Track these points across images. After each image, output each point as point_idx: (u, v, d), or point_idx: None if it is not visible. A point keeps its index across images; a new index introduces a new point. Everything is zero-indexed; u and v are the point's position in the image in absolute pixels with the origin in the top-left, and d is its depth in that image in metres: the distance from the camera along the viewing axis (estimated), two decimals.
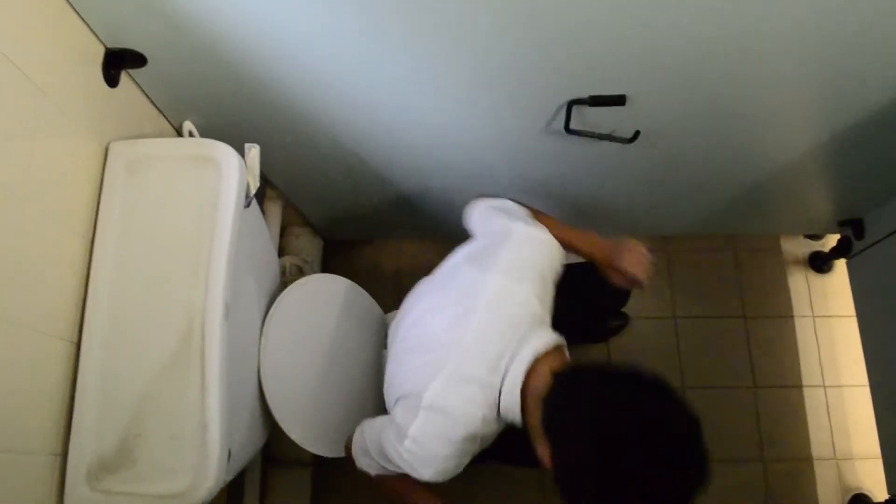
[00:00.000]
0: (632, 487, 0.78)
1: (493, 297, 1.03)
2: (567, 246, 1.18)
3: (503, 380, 0.97)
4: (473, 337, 1.00)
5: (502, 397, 0.97)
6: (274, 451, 1.70)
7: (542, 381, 0.94)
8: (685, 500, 0.79)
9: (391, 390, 1.13)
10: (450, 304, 1.08)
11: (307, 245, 1.85)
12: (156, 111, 1.19)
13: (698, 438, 0.80)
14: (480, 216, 1.22)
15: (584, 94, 1.13)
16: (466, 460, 1.01)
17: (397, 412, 1.04)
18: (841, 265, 2.07)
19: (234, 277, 1.03)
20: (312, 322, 1.38)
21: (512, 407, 0.97)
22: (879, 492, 1.87)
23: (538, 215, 1.22)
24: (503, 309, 1.03)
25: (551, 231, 1.14)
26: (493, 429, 1.01)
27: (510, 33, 0.97)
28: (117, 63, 1.04)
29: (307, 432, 1.29)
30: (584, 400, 0.86)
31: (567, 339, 1.05)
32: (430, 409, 0.98)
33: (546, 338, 1.00)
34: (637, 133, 1.20)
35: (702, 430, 0.81)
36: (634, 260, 1.17)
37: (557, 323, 1.10)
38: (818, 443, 1.97)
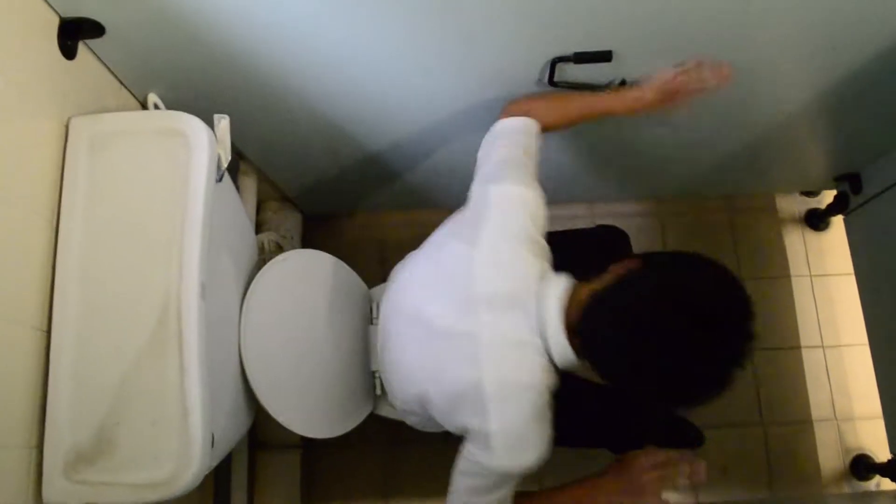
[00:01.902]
0: (677, 358, 0.87)
1: (491, 269, 1.03)
2: (598, 114, 1.19)
3: (545, 339, 1.00)
4: (491, 317, 1.01)
5: (553, 353, 1.00)
6: (261, 434, 1.71)
7: (578, 316, 0.99)
8: (724, 374, 0.88)
9: (408, 386, 1.17)
10: (446, 287, 1.08)
11: (286, 220, 1.84)
12: (118, 83, 1.17)
13: (747, 318, 0.88)
14: (481, 167, 1.17)
15: (569, 50, 1.12)
16: (551, 415, 1.02)
17: (467, 425, 1.02)
18: (838, 222, 2.08)
19: (210, 256, 1.02)
20: (294, 299, 1.37)
21: (566, 355, 1.00)
22: (881, 452, 1.91)
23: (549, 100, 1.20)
24: (504, 279, 1.03)
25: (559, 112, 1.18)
26: (555, 378, 1.03)
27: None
28: (74, 33, 1.02)
29: (294, 414, 1.29)
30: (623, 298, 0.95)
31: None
32: (497, 397, 0.98)
33: (559, 283, 1.02)
34: (623, 82, 1.20)
35: (752, 314, 0.89)
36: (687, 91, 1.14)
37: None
38: (818, 404, 2.01)
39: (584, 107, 1.21)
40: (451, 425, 1.08)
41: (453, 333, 1.04)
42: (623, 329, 0.92)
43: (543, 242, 1.09)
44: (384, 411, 1.48)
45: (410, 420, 1.34)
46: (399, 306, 1.21)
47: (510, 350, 1.00)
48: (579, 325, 0.98)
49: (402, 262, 1.31)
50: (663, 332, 0.88)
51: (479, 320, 1.01)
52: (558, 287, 1.02)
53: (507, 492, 1.05)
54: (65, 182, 1.00)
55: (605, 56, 1.12)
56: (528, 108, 1.18)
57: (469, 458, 1.03)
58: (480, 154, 1.18)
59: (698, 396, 0.92)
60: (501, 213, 1.07)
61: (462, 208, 1.17)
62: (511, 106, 1.21)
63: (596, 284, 0.99)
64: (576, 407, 1.35)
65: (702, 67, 1.12)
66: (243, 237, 1.35)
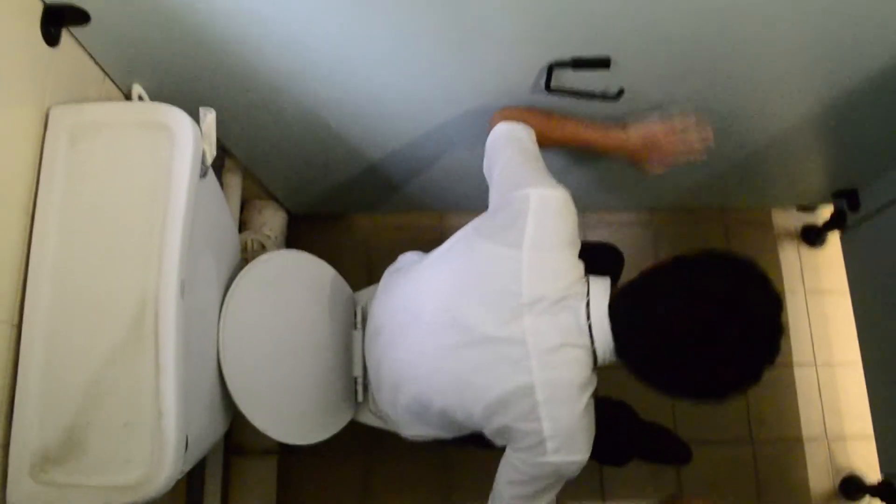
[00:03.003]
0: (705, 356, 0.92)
1: (539, 272, 1.05)
2: (580, 143, 1.23)
3: (593, 339, 1.03)
4: (539, 320, 1.03)
5: (599, 352, 1.04)
6: (237, 438, 1.70)
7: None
8: (755, 367, 0.93)
9: (410, 386, 1.18)
10: (489, 291, 1.07)
11: (270, 219, 1.83)
12: (101, 73, 1.16)
13: (776, 315, 0.93)
14: (501, 170, 1.17)
15: (567, 55, 1.12)
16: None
17: (515, 428, 1.04)
18: (834, 238, 2.10)
19: (191, 254, 1.01)
20: (276, 301, 1.37)
21: (610, 354, 1.04)
22: (872, 473, 1.92)
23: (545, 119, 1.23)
24: (554, 281, 1.05)
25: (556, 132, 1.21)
26: (595, 377, 1.07)
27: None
28: (57, 20, 1.01)
29: (271, 418, 1.28)
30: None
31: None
32: (550, 399, 1.01)
33: (604, 283, 1.06)
34: (621, 91, 1.20)
35: (781, 308, 0.94)
36: (672, 150, 1.23)
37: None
38: (809, 423, 2.02)
39: (570, 132, 1.25)
40: (485, 427, 1.10)
41: (499, 339, 1.05)
42: (654, 326, 0.97)
43: (579, 243, 1.12)
44: (365, 418, 1.48)
45: (402, 427, 1.34)
46: (416, 309, 1.19)
47: (560, 353, 1.02)
48: (614, 321, 1.02)
49: (402, 264, 1.30)
50: (695, 323, 0.92)
51: (526, 324, 1.03)
52: (605, 287, 1.05)
53: (552, 496, 1.09)
54: (42, 173, 0.99)
55: (603, 62, 1.12)
56: (522, 119, 1.21)
57: (518, 465, 1.06)
58: (492, 156, 1.19)
59: (729, 389, 0.96)
60: (544, 217, 1.07)
61: (487, 213, 1.16)
62: (507, 111, 1.22)
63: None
64: None
65: (689, 131, 1.21)
66: (226, 236, 1.35)
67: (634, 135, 1.25)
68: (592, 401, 1.06)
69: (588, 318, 1.03)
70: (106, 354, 0.94)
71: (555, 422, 1.01)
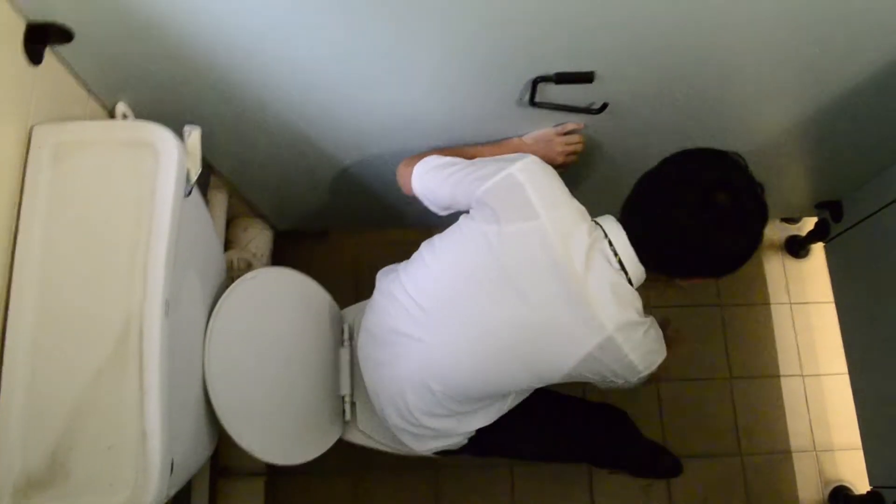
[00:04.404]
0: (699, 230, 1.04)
1: (562, 229, 1.11)
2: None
3: (625, 270, 1.12)
4: (586, 275, 1.10)
5: (633, 278, 1.13)
6: (223, 460, 1.68)
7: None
8: (753, 234, 1.06)
9: (488, 382, 1.23)
10: (532, 271, 1.12)
11: (256, 237, 1.83)
12: (85, 91, 1.15)
13: (753, 183, 1.06)
14: (457, 184, 1.22)
15: (551, 70, 1.13)
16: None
17: (601, 372, 1.15)
18: (818, 249, 2.12)
19: (175, 273, 1.00)
20: (262, 319, 1.36)
21: (642, 275, 1.15)
22: (861, 483, 1.93)
23: (455, 152, 1.32)
24: (578, 233, 1.11)
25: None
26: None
27: (472, 11, 0.97)
28: (41, 38, 1.00)
29: (258, 439, 1.27)
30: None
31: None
32: (628, 338, 1.10)
33: (611, 219, 1.15)
34: (605, 105, 1.22)
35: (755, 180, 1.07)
36: (563, 151, 1.36)
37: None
38: (797, 434, 2.03)
39: (470, 153, 1.32)
40: (558, 378, 1.18)
41: (561, 310, 1.11)
42: (667, 230, 1.07)
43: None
44: (353, 437, 1.47)
45: (404, 435, 1.34)
46: (449, 314, 1.20)
47: (616, 296, 1.10)
48: (637, 248, 1.12)
49: (390, 277, 1.29)
50: (692, 207, 1.03)
51: (577, 284, 1.09)
52: (615, 222, 1.14)
53: None
54: (25, 192, 0.98)
55: (586, 77, 1.13)
56: (425, 155, 1.29)
57: (612, 382, 1.19)
58: (434, 188, 1.25)
59: (738, 254, 1.07)
60: (537, 180, 1.14)
61: (474, 213, 1.18)
62: (406, 161, 1.32)
63: None
64: (562, 422, 1.49)
65: (575, 135, 1.36)
66: (211, 254, 1.34)
67: (529, 138, 1.37)
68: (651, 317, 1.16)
69: (616, 254, 1.12)
70: (89, 375, 0.93)
71: (639, 351, 1.12)
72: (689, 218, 1.04)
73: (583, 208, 1.16)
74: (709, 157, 1.09)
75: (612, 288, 1.10)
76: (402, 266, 1.30)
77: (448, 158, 1.26)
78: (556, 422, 1.51)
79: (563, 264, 1.09)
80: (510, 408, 1.34)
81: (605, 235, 1.13)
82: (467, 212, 1.21)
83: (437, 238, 1.25)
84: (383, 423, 1.36)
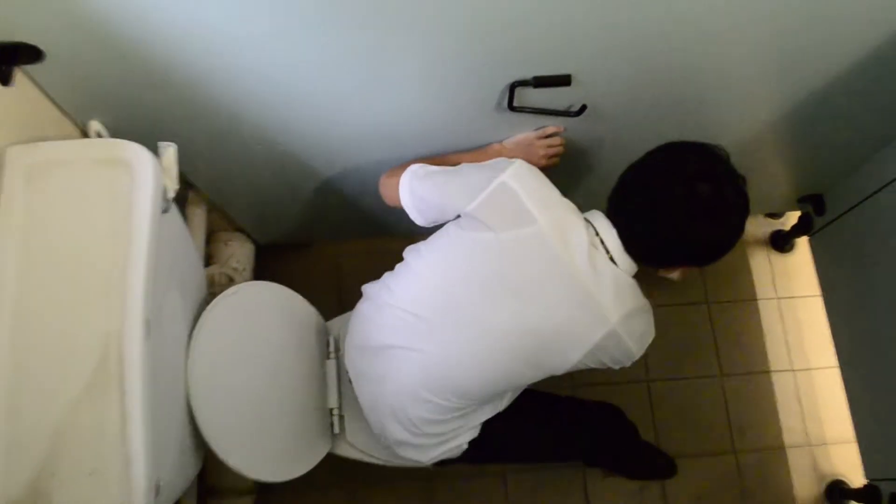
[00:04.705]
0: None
1: (559, 231, 1.13)
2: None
3: (617, 263, 1.16)
4: (586, 269, 1.13)
5: (624, 270, 1.17)
6: (210, 479, 1.66)
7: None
8: (736, 222, 1.10)
9: (492, 383, 1.25)
10: (543, 275, 1.14)
11: (237, 251, 1.82)
12: (58, 111, 1.15)
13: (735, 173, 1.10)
14: (444, 194, 1.22)
15: (528, 74, 1.14)
16: None
17: (603, 360, 1.19)
18: (803, 243, 2.14)
19: (155, 292, 1.00)
20: (245, 335, 1.35)
21: (632, 268, 1.18)
22: (856, 477, 1.94)
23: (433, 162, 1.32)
24: (575, 233, 1.14)
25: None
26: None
27: (448, 19, 0.97)
28: (10, 58, 0.99)
29: (246, 457, 1.26)
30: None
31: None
32: (629, 328, 1.15)
33: (599, 216, 1.18)
34: (584, 107, 1.23)
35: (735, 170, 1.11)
36: (544, 154, 1.37)
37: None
38: (790, 430, 2.04)
39: (452, 160, 1.33)
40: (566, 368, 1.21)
41: (567, 310, 1.14)
42: (655, 227, 1.11)
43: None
44: (343, 451, 1.46)
45: (407, 450, 1.34)
46: (454, 319, 1.20)
47: (615, 287, 1.14)
48: (627, 244, 1.15)
49: (389, 280, 1.29)
50: (676, 198, 1.07)
51: (581, 281, 1.12)
52: (605, 219, 1.16)
53: None
54: None
55: (564, 80, 1.14)
56: (408, 165, 1.28)
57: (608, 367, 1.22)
58: (425, 197, 1.24)
59: (723, 241, 1.11)
60: (528, 184, 1.15)
61: (465, 220, 1.18)
62: (389, 172, 1.33)
63: None
64: (558, 422, 1.55)
65: (556, 138, 1.38)
66: (191, 271, 1.33)
67: (509, 143, 1.39)
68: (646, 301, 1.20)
69: (607, 250, 1.15)
70: (70, 400, 0.92)
71: (639, 339, 1.18)
72: (672, 207, 1.07)
73: (573, 205, 1.19)
74: (692, 149, 1.12)
75: (614, 280, 1.14)
76: (389, 277, 1.30)
77: (434, 168, 1.26)
78: (553, 422, 1.52)
79: (566, 264, 1.12)
80: (518, 392, 1.37)
81: (596, 232, 1.15)
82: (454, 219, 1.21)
83: (423, 246, 1.25)
84: (383, 440, 1.35)
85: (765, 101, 1.34)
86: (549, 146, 1.38)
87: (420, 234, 1.28)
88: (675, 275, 1.21)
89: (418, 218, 1.27)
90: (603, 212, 1.18)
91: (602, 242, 1.15)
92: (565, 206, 1.18)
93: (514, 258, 1.14)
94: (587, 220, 1.17)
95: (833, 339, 1.90)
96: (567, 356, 1.17)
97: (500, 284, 1.15)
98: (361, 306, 1.35)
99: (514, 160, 1.18)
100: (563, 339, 1.16)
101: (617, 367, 1.22)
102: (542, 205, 1.14)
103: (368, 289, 1.35)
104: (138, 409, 0.92)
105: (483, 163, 1.22)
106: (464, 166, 1.24)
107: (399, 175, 1.27)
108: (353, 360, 1.35)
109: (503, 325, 1.16)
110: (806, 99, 1.31)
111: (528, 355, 1.19)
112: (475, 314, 1.17)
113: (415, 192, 1.25)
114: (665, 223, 1.09)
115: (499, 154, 1.37)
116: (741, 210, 1.09)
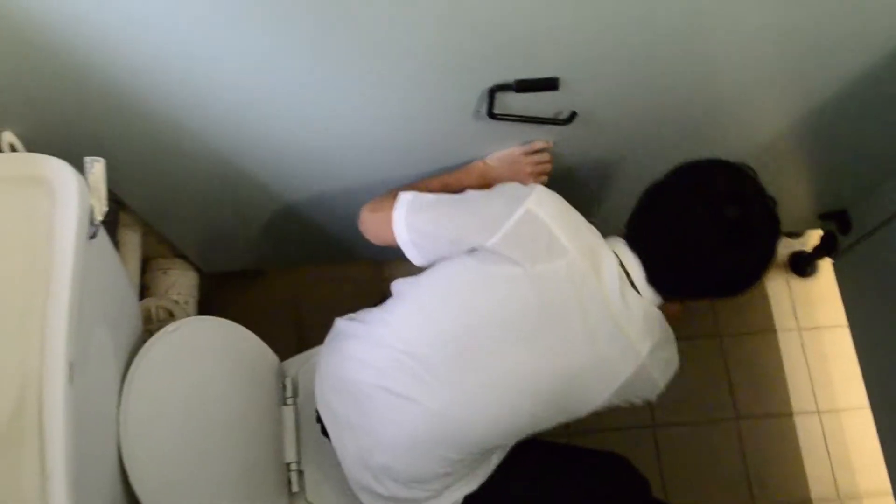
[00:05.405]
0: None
1: (589, 262, 1.16)
2: (450, 190, 1.32)
3: (643, 294, 1.20)
4: (615, 301, 1.17)
5: (652, 301, 1.21)
6: None
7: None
8: (767, 247, 1.12)
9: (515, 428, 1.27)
10: (575, 311, 1.17)
11: (178, 281, 1.82)
12: None
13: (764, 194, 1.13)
14: (457, 227, 1.22)
15: (510, 77, 1.15)
16: None
17: (630, 399, 1.25)
18: (826, 266, 2.16)
19: (81, 329, 0.99)
20: (187, 379, 1.35)
21: (657, 300, 1.22)
22: None
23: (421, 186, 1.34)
24: (600, 263, 1.18)
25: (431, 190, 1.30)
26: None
27: (416, 8, 0.98)
28: None
29: None
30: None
31: None
32: (657, 363, 1.20)
33: (622, 244, 1.21)
34: (573, 114, 1.25)
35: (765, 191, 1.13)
36: (532, 171, 1.41)
37: None
38: (817, 480, 2.04)
39: (436, 185, 1.36)
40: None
41: (600, 346, 1.18)
42: (681, 258, 1.15)
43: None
44: None
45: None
46: (470, 363, 1.20)
47: (645, 320, 1.19)
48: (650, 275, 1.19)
49: (384, 312, 1.29)
50: (702, 224, 1.11)
51: (615, 314, 1.17)
52: (627, 248, 1.20)
53: None
54: None
55: (550, 84, 1.15)
56: (393, 195, 1.29)
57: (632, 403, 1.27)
58: (426, 233, 1.24)
59: (753, 270, 1.15)
60: (553, 210, 1.18)
61: (490, 253, 1.18)
62: (375, 203, 1.32)
63: None
64: (560, 475, 1.54)
65: (544, 154, 1.41)
66: (124, 304, 1.33)
67: (493, 160, 1.42)
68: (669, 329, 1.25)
69: (632, 283, 1.19)
70: None
71: (666, 372, 1.24)
72: (697, 232, 1.11)
73: (597, 231, 1.23)
74: (718, 167, 1.16)
75: (643, 313, 1.19)
76: (382, 311, 1.29)
77: (431, 196, 1.26)
78: (553, 475, 1.52)
79: (599, 297, 1.16)
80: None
81: (621, 262, 1.19)
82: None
83: (424, 279, 1.25)
84: (357, 493, 1.34)
85: (781, 106, 1.36)
86: (538, 163, 1.40)
87: (389, 259, 1.29)
88: (675, 308, 1.26)
89: (416, 257, 1.26)
90: (622, 238, 1.21)
91: (627, 273, 1.18)
92: (593, 234, 1.21)
93: (545, 294, 1.17)
94: (611, 250, 1.20)
95: (863, 376, 1.91)
96: (596, 395, 1.21)
97: (526, 323, 1.18)
98: (342, 344, 1.32)
99: (533, 185, 1.20)
100: (595, 377, 1.20)
101: (641, 402, 1.27)
102: (571, 234, 1.17)
103: (349, 324, 1.33)
104: (61, 465, 0.91)
105: (495, 190, 1.24)
106: (470, 194, 1.26)
107: (388, 208, 1.26)
108: (330, 401, 1.33)
109: (525, 367, 1.18)
110: (826, 102, 1.34)
111: (557, 398, 1.22)
112: (493, 357, 1.19)
113: (412, 227, 1.24)
114: (689, 249, 1.12)
115: (483, 173, 1.40)
116: (772, 234, 1.12)
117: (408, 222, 1.24)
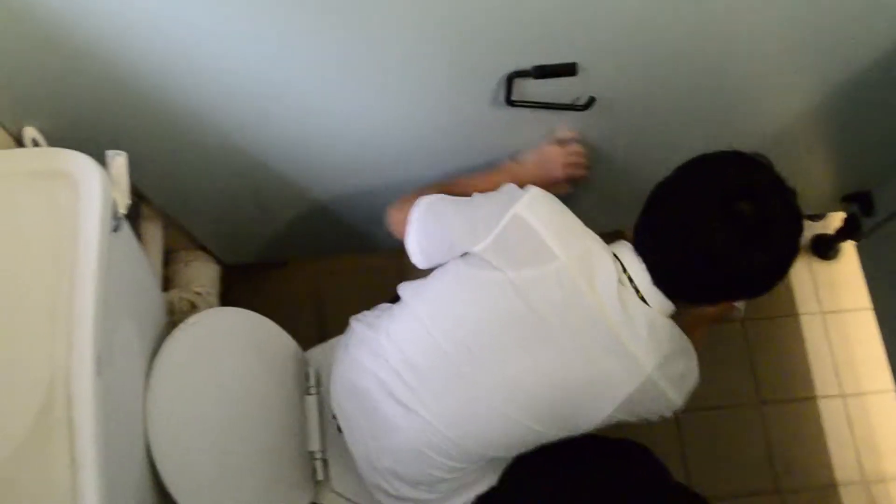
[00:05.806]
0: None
1: (586, 269, 1.13)
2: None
3: (652, 304, 1.15)
4: (616, 314, 1.12)
5: (661, 310, 1.16)
6: None
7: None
8: (787, 244, 1.05)
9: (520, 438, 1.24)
10: (573, 323, 1.13)
11: (200, 273, 1.82)
12: None
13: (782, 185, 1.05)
14: (462, 227, 1.22)
15: (528, 64, 1.14)
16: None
17: (641, 414, 1.20)
18: (849, 249, 2.14)
19: (107, 322, 1.00)
20: (211, 369, 1.35)
21: (667, 308, 1.16)
22: None
23: (444, 187, 1.33)
24: (597, 271, 1.13)
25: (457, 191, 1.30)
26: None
27: (436, 3, 0.98)
28: None
29: None
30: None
31: None
32: (667, 374, 1.14)
33: (627, 249, 1.16)
34: (592, 99, 1.24)
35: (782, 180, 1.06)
36: (564, 163, 1.39)
37: None
38: (842, 464, 2.03)
39: (462, 188, 1.33)
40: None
41: (595, 358, 1.14)
42: (689, 259, 1.08)
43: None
44: (329, 501, 1.46)
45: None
46: (462, 374, 1.20)
47: (650, 331, 1.13)
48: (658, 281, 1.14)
49: (386, 321, 1.30)
50: (712, 226, 1.03)
51: (611, 325, 1.12)
52: (632, 252, 1.15)
53: None
54: None
55: (569, 69, 1.15)
56: (420, 194, 1.29)
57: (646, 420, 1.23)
58: (433, 237, 1.25)
59: (773, 270, 1.07)
60: (543, 213, 1.16)
61: (478, 257, 1.17)
62: (401, 201, 1.32)
63: None
64: (577, 463, 1.50)
65: (581, 155, 1.41)
66: (148, 296, 1.34)
67: (527, 159, 1.41)
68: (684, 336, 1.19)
69: (636, 289, 1.14)
70: (8, 452, 0.92)
71: (679, 386, 1.17)
72: (707, 231, 1.04)
73: (598, 237, 1.18)
74: (729, 160, 1.09)
75: (649, 323, 1.13)
76: (388, 321, 1.29)
77: (448, 199, 1.26)
78: (570, 464, 1.52)
79: (592, 306, 1.12)
80: None
81: (623, 267, 1.14)
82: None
83: (425, 285, 1.25)
84: (371, 491, 1.36)
85: (802, 87, 1.35)
86: (570, 154, 1.38)
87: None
88: (712, 311, 1.25)
89: (421, 261, 1.27)
90: (631, 242, 1.17)
91: (630, 279, 1.14)
92: (590, 239, 1.17)
93: (533, 301, 1.14)
94: (614, 255, 1.16)
95: (888, 359, 1.90)
96: (597, 411, 1.17)
97: (516, 331, 1.15)
98: (353, 350, 1.34)
99: (529, 187, 1.18)
100: (592, 391, 1.16)
101: (657, 419, 1.22)
102: (563, 238, 1.14)
103: (360, 328, 1.34)
104: (91, 456, 0.92)
105: (492, 192, 1.23)
106: (476, 197, 1.24)
107: (407, 210, 1.27)
108: (342, 403, 1.35)
109: (518, 380, 1.16)
110: (848, 82, 1.32)
111: (555, 412, 1.19)
112: (485, 370, 1.17)
113: (421, 231, 1.25)
114: (700, 251, 1.05)
115: (515, 174, 1.36)
116: (793, 230, 1.05)
117: (417, 227, 1.25)
